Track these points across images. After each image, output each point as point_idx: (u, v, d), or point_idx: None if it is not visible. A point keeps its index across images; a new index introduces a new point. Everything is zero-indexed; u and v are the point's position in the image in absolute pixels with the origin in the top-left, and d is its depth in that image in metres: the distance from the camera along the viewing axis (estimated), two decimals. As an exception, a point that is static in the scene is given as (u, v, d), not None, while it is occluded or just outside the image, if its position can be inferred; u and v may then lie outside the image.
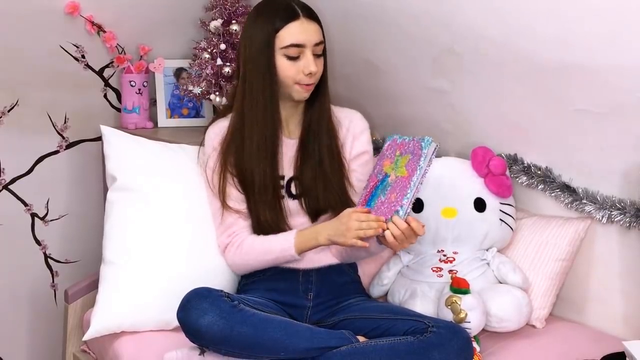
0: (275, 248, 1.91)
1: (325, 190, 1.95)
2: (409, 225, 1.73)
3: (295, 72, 1.88)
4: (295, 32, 1.86)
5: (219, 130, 2.00)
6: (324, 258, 1.99)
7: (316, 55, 1.90)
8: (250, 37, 1.91)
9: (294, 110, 2.00)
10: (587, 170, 2.01)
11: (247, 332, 1.68)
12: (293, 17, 1.87)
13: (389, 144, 1.87)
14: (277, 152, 1.94)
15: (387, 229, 1.74)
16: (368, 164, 2.02)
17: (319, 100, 1.97)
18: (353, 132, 2.03)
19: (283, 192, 1.97)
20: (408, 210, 1.73)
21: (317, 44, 1.89)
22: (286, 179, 1.98)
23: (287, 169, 1.98)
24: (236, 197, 1.97)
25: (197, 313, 1.68)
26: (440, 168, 2.14)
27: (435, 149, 1.76)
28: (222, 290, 1.76)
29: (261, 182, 1.92)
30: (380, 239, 1.78)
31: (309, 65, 1.87)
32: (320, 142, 1.97)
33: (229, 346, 1.70)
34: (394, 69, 2.27)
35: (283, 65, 1.88)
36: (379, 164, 1.87)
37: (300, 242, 1.88)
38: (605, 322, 2.02)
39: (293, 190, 1.98)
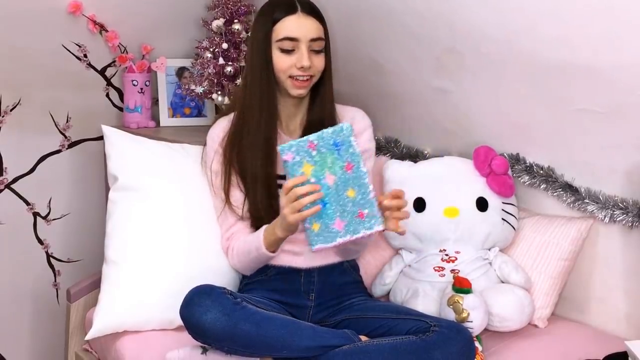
0: (251, 248, 1.91)
1: None
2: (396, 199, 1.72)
3: (289, 66, 1.89)
4: (290, 25, 1.88)
5: (219, 130, 2.01)
6: (325, 256, 1.99)
7: (314, 52, 1.91)
8: (253, 33, 1.95)
9: (296, 109, 2.00)
10: (589, 170, 2.01)
11: (249, 329, 1.68)
12: (290, 11, 1.89)
13: (287, 154, 1.69)
14: (272, 148, 1.93)
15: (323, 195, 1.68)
16: (370, 161, 2.03)
17: (320, 99, 1.98)
18: (356, 130, 2.02)
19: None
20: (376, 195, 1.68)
21: (313, 40, 1.90)
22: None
23: None
24: (237, 199, 1.97)
25: (200, 310, 1.68)
26: (442, 167, 2.14)
27: (351, 129, 1.69)
28: (225, 288, 1.76)
29: (254, 177, 1.93)
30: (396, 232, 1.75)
31: (302, 59, 1.88)
32: None
33: (231, 343, 1.70)
34: (397, 68, 2.27)
35: (278, 58, 1.90)
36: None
37: (267, 238, 1.86)
38: (607, 321, 2.02)
39: None
